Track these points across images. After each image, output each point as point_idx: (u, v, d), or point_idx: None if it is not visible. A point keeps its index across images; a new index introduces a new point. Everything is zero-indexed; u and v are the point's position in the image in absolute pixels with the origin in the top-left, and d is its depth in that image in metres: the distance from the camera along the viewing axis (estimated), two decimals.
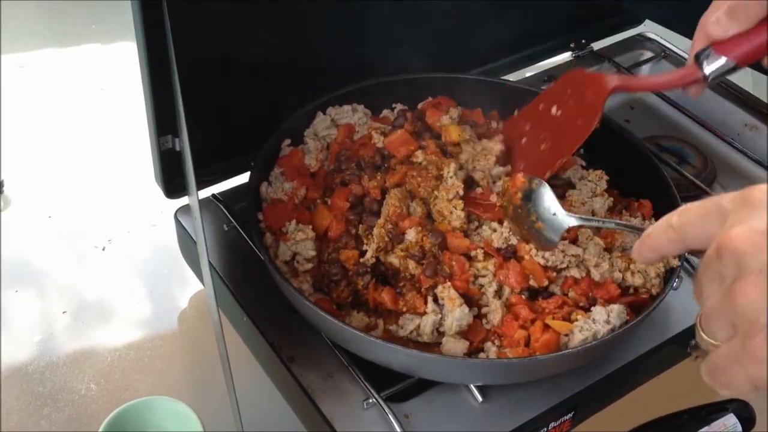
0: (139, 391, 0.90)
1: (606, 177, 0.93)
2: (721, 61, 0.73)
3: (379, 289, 0.81)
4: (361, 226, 0.85)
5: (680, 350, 0.87)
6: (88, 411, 0.87)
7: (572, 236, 0.84)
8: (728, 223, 0.47)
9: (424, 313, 0.78)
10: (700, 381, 0.89)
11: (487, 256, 0.82)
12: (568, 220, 0.76)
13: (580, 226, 0.80)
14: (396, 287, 0.82)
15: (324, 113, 0.98)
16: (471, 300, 0.80)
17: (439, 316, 0.78)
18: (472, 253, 0.82)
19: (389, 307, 0.80)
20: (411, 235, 0.83)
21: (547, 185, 0.78)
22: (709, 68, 0.74)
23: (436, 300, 0.79)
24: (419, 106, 1.04)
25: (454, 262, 0.81)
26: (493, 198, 0.87)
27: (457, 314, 0.77)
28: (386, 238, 0.83)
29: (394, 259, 0.82)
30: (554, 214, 0.77)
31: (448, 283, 0.79)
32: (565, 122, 0.88)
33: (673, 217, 0.52)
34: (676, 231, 0.52)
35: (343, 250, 0.84)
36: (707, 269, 0.48)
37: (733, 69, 0.74)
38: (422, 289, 0.80)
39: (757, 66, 1.13)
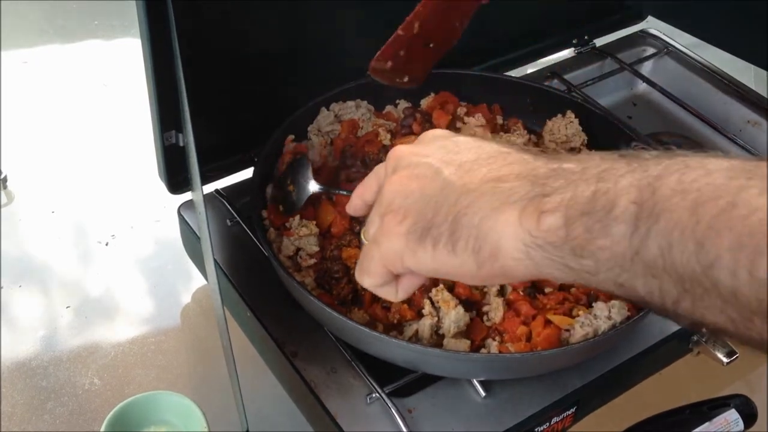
0: (143, 386, 0.90)
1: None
2: None
3: (373, 306, 0.82)
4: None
5: (682, 346, 0.88)
6: (92, 405, 0.88)
7: None
8: None
9: (421, 316, 0.79)
10: (702, 376, 0.90)
11: None
12: (313, 186, 0.87)
13: (321, 192, 0.87)
14: (383, 301, 0.81)
15: (327, 109, 0.98)
16: (472, 302, 0.81)
17: (436, 318, 0.78)
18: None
19: (381, 320, 0.81)
20: None
21: (307, 159, 0.89)
22: None
23: (432, 303, 0.79)
24: (422, 102, 1.04)
25: None
26: None
27: (453, 316, 0.77)
28: None
29: None
30: (305, 180, 0.88)
31: (441, 285, 0.79)
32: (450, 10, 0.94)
33: (376, 168, 0.62)
34: (372, 174, 0.63)
35: (345, 248, 0.84)
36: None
37: None
38: (412, 296, 0.80)
39: (758, 61, 1.14)
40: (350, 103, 1.00)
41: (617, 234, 0.43)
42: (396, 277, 0.58)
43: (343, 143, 0.95)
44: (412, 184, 0.54)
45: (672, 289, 0.42)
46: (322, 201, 0.90)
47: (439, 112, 1.00)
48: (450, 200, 0.51)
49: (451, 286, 0.81)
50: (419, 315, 0.79)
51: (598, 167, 0.46)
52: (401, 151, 0.57)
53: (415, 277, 0.58)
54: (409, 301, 0.80)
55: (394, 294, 0.59)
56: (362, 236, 0.60)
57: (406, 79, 0.96)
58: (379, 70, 0.93)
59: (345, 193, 0.84)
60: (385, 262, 0.56)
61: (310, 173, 0.88)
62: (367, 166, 0.90)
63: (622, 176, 0.44)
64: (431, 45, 0.96)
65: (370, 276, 0.57)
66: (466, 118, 1.01)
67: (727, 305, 0.40)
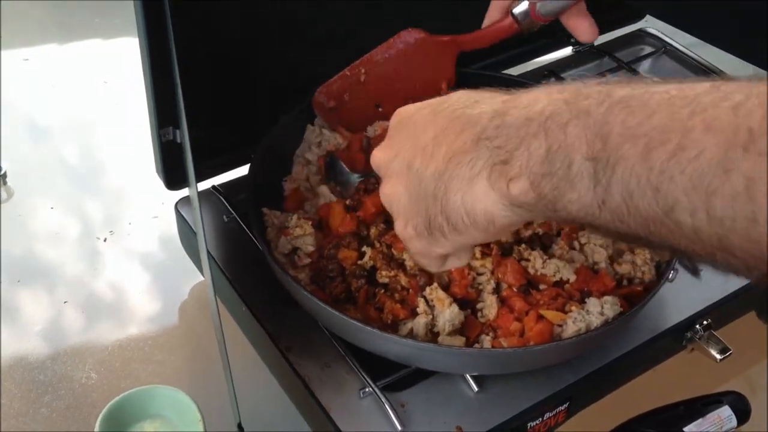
0: (139, 380, 0.90)
1: None
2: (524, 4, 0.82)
3: (367, 307, 0.82)
4: (373, 229, 0.86)
5: (675, 342, 0.88)
6: (89, 399, 0.88)
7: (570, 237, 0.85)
8: None
9: (415, 315, 0.79)
10: (695, 373, 0.90)
11: (484, 255, 0.83)
12: (354, 179, 0.86)
13: (364, 179, 0.87)
14: (375, 302, 0.82)
15: (312, 125, 0.99)
16: (467, 300, 0.81)
17: (431, 317, 0.78)
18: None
19: (374, 320, 0.81)
20: (407, 256, 0.83)
21: (335, 156, 0.90)
22: (517, 9, 0.81)
23: (427, 301, 0.80)
24: None
25: (452, 270, 0.81)
26: None
27: (447, 315, 0.78)
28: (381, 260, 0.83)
29: (384, 279, 0.83)
30: (344, 176, 0.88)
31: (435, 284, 0.80)
32: (406, 84, 0.95)
33: None
34: None
35: (343, 249, 0.85)
36: None
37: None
38: (406, 296, 0.81)
39: (757, 60, 1.14)
40: None
41: (581, 188, 0.45)
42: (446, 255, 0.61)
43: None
44: (397, 187, 0.57)
45: (640, 230, 0.44)
46: (334, 204, 0.90)
47: None
48: (430, 191, 0.54)
49: (446, 285, 0.81)
50: (413, 314, 0.80)
51: (542, 115, 0.47)
52: (377, 158, 0.60)
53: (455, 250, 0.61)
54: (402, 300, 0.80)
55: (458, 261, 0.63)
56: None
57: (343, 128, 0.97)
58: (320, 104, 0.95)
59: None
60: (424, 257, 0.61)
61: (344, 168, 0.88)
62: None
63: (567, 124, 0.45)
64: (380, 108, 0.98)
65: (428, 266, 0.64)
66: None
67: (693, 242, 0.42)
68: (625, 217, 0.44)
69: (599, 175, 0.44)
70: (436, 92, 0.97)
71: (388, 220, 0.85)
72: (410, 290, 0.81)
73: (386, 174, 0.59)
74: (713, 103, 0.40)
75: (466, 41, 0.95)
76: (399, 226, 0.59)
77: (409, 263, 0.82)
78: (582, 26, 0.85)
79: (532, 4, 0.84)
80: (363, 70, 0.95)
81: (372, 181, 0.88)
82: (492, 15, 0.82)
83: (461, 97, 0.56)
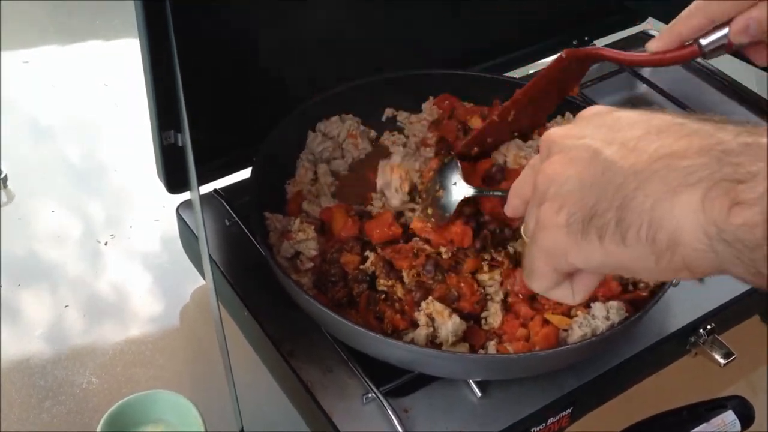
0: (141, 385, 0.90)
1: None
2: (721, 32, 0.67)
3: (367, 314, 0.81)
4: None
5: (680, 347, 0.88)
6: (90, 404, 0.88)
7: None
8: None
9: (415, 326, 0.79)
10: (699, 378, 0.90)
11: (492, 267, 0.83)
12: (465, 190, 0.82)
13: (474, 196, 0.82)
14: (376, 311, 0.81)
15: (314, 131, 0.98)
16: (471, 315, 0.81)
17: (431, 329, 0.78)
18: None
19: (374, 329, 0.80)
20: (405, 273, 0.82)
21: (456, 161, 0.85)
22: (706, 40, 0.68)
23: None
24: (424, 107, 1.04)
25: (462, 284, 0.81)
26: None
27: (450, 326, 0.77)
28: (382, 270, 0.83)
29: (382, 287, 0.83)
30: (455, 183, 0.83)
31: (431, 298, 0.79)
32: (546, 96, 0.90)
33: (531, 160, 0.55)
34: (526, 168, 0.55)
35: (346, 253, 0.84)
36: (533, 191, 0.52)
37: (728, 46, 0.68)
38: (405, 307, 0.80)
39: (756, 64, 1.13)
40: (334, 119, 0.99)
41: None
42: (568, 275, 0.51)
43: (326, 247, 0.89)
44: (569, 169, 0.47)
45: None
46: (335, 208, 0.89)
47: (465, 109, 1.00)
48: (614, 184, 0.44)
49: (455, 299, 0.80)
50: (413, 325, 0.79)
51: None
52: (554, 134, 0.51)
53: (591, 275, 0.52)
54: (402, 310, 0.80)
55: (570, 296, 0.52)
56: (522, 233, 0.55)
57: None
58: (464, 154, 0.91)
59: (500, 194, 0.81)
60: (548, 260, 0.50)
61: (460, 176, 0.84)
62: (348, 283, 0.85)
63: None
64: (515, 134, 0.95)
65: (537, 278, 0.52)
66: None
67: None
68: None
69: None
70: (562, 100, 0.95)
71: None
72: (409, 300, 0.81)
73: (558, 150, 0.49)
74: None
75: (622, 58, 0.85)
76: (549, 210, 0.48)
77: (407, 278, 0.82)
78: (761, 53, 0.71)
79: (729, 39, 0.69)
80: (512, 112, 0.90)
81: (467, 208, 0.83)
82: (666, 42, 0.70)
83: (679, 112, 0.49)
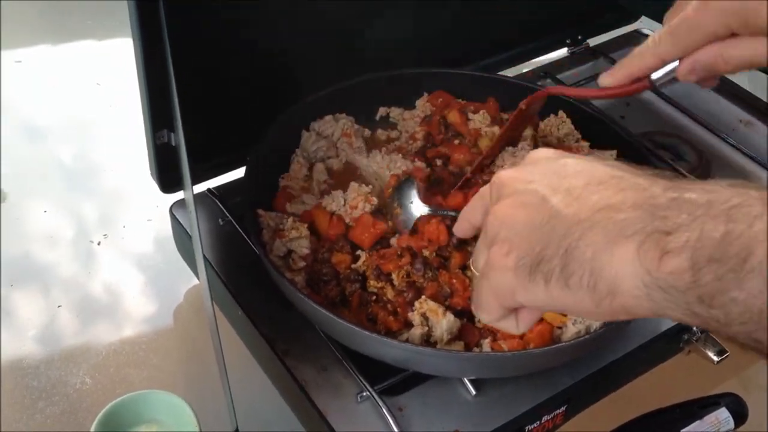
0: (134, 385, 0.90)
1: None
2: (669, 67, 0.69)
3: (359, 315, 0.81)
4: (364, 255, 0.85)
5: (673, 345, 0.88)
6: (83, 405, 0.88)
7: None
8: None
9: (409, 326, 0.79)
10: (693, 375, 0.90)
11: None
12: (421, 209, 0.86)
13: (430, 216, 0.85)
14: (368, 313, 0.81)
15: (308, 130, 0.98)
16: (464, 311, 0.81)
17: (426, 328, 0.78)
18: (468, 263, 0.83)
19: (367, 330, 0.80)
20: (395, 276, 0.82)
21: (414, 180, 0.89)
22: (657, 75, 0.71)
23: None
24: (417, 103, 1.05)
25: (454, 280, 0.81)
26: None
27: (445, 324, 0.77)
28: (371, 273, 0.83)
29: (372, 289, 0.83)
30: (411, 202, 0.87)
31: (424, 297, 0.79)
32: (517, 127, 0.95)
33: (481, 189, 0.59)
34: (477, 196, 0.59)
35: (336, 253, 0.84)
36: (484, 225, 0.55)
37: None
38: (397, 309, 0.80)
39: None
40: (327, 118, 0.99)
41: (753, 288, 0.39)
42: (514, 309, 0.54)
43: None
44: (518, 214, 0.50)
45: None
46: (315, 210, 0.89)
47: (456, 112, 1.01)
48: (559, 231, 0.47)
49: (447, 296, 0.81)
50: (406, 325, 0.79)
51: (727, 202, 0.41)
52: (505, 177, 0.54)
53: (534, 310, 0.55)
54: (394, 311, 0.80)
55: (514, 327, 0.55)
56: (471, 266, 0.57)
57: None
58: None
59: (452, 214, 0.83)
60: (496, 297, 0.52)
61: (416, 195, 0.87)
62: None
63: (756, 218, 0.40)
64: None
65: (485, 312, 0.55)
66: (470, 115, 1.01)
67: None
68: None
69: None
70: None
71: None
72: (401, 302, 0.81)
73: (508, 194, 0.52)
74: None
75: (574, 94, 0.96)
76: (497, 253, 0.51)
77: (396, 281, 0.82)
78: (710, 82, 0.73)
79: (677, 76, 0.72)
80: (500, 144, 0.94)
81: (431, 220, 0.85)
82: (618, 78, 0.73)
83: (620, 162, 0.51)
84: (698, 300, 0.41)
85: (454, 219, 0.67)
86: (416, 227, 0.86)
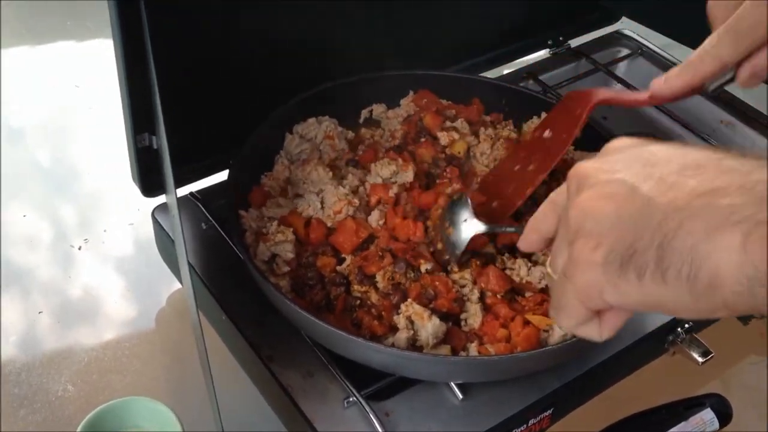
0: (117, 392, 0.89)
1: None
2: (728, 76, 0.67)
3: (344, 320, 0.81)
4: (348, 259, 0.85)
5: (658, 346, 0.88)
6: (65, 412, 0.86)
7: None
8: None
9: (394, 330, 0.78)
10: (678, 376, 0.91)
11: (462, 267, 0.83)
12: (476, 227, 0.80)
13: (485, 233, 0.81)
14: (353, 318, 0.81)
15: (291, 133, 0.98)
16: (450, 314, 0.80)
17: (412, 332, 0.78)
18: (448, 266, 0.83)
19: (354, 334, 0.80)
20: (379, 278, 0.82)
21: (467, 197, 0.83)
22: (714, 84, 0.68)
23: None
24: (402, 102, 1.04)
25: (437, 283, 0.81)
26: None
27: (430, 328, 0.77)
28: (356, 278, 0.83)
29: (356, 293, 0.82)
30: (465, 220, 0.81)
31: (410, 300, 0.79)
32: (552, 141, 0.89)
33: (551, 195, 0.54)
34: (547, 202, 0.54)
35: (321, 256, 0.84)
36: (561, 223, 0.51)
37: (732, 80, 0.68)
38: (382, 313, 0.80)
39: None
40: (311, 120, 0.99)
41: None
42: (597, 312, 0.50)
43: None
44: (605, 205, 0.46)
45: None
46: (290, 216, 0.89)
47: (433, 115, 1.00)
48: (653, 221, 0.43)
49: (431, 298, 0.80)
50: (391, 330, 0.79)
51: None
52: (584, 168, 0.49)
53: (620, 312, 0.50)
54: (379, 316, 0.80)
55: (598, 333, 0.51)
56: (548, 268, 0.53)
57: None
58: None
59: (513, 230, 0.79)
60: (581, 298, 0.48)
61: (471, 212, 0.81)
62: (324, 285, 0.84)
63: None
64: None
65: (567, 316, 0.50)
66: (448, 123, 1.01)
67: None
68: None
69: None
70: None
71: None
72: (386, 305, 0.80)
73: (591, 185, 0.47)
74: None
75: (627, 100, 0.86)
76: (584, 247, 0.46)
77: (381, 283, 0.82)
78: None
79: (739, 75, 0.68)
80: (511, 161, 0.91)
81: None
82: (676, 87, 0.69)
83: (710, 145, 0.48)
84: None
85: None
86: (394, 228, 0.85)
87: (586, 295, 0.47)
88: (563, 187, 0.52)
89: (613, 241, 0.45)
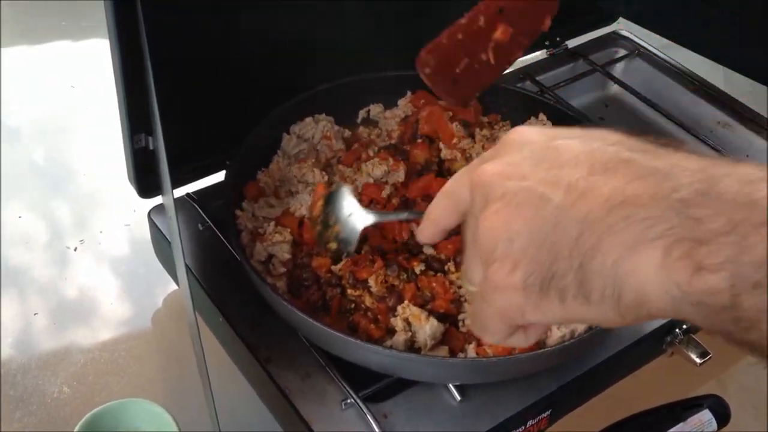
0: (114, 393, 0.88)
1: None
2: None
3: (340, 323, 0.80)
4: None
5: (656, 347, 0.88)
6: (61, 414, 0.86)
7: None
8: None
9: (391, 333, 0.78)
10: (676, 377, 0.91)
11: (459, 265, 0.82)
12: (365, 219, 0.74)
13: (375, 223, 0.76)
14: (349, 321, 0.81)
15: (288, 133, 0.97)
16: (447, 315, 0.80)
17: (410, 333, 0.77)
18: (446, 267, 0.83)
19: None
20: (372, 281, 0.81)
21: (346, 186, 0.76)
22: None
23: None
24: (400, 102, 1.04)
25: (434, 284, 0.80)
26: None
27: (428, 329, 0.76)
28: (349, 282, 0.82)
29: (351, 297, 0.82)
30: (351, 214, 0.75)
31: (407, 302, 0.79)
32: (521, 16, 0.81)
33: (447, 185, 0.51)
34: (446, 194, 0.51)
35: (315, 257, 0.84)
36: (466, 224, 0.48)
37: None
38: (378, 316, 0.80)
39: (729, 62, 1.15)
40: (308, 120, 0.98)
41: None
42: (522, 326, 0.48)
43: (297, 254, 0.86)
44: (515, 222, 0.43)
45: None
46: (283, 217, 0.88)
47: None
48: (569, 239, 0.41)
49: (428, 300, 0.80)
50: (388, 332, 0.79)
51: None
52: (488, 174, 0.45)
53: (543, 324, 0.49)
54: (375, 319, 0.79)
55: (524, 341, 0.49)
56: (464, 283, 0.51)
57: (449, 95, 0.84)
58: (425, 63, 0.81)
59: (405, 217, 0.76)
60: (503, 320, 0.46)
61: (356, 203, 0.75)
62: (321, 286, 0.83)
63: None
64: (492, 61, 0.83)
65: (491, 334, 0.48)
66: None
67: None
68: None
69: None
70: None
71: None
72: (381, 309, 0.80)
73: (497, 197, 0.44)
74: None
75: None
76: (500, 270, 0.43)
77: (374, 287, 0.81)
78: None
79: None
80: (482, 18, 0.81)
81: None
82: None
83: (623, 139, 0.44)
84: (733, 322, 0.36)
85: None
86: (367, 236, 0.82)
87: (508, 317, 0.45)
88: (461, 179, 0.49)
89: (530, 264, 0.42)
